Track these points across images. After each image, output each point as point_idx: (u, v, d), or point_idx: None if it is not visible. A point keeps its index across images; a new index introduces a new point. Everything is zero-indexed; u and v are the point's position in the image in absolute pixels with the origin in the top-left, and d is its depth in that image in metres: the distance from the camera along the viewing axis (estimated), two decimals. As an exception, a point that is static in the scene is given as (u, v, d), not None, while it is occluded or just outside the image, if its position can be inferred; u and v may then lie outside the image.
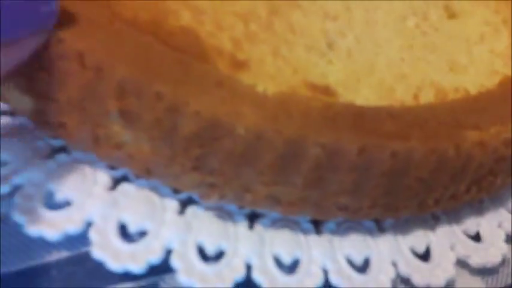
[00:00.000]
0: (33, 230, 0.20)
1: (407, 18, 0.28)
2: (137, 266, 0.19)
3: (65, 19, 0.18)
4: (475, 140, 0.21)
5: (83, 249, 0.20)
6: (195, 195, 0.21)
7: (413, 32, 0.28)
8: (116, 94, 0.18)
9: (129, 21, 0.21)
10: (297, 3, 0.26)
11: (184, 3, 0.23)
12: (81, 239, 0.20)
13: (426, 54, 0.27)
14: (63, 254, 0.20)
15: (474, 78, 0.26)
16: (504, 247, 0.24)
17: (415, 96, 0.24)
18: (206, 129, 0.18)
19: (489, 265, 0.24)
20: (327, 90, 0.22)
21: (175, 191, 0.22)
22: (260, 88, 0.20)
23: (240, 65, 0.22)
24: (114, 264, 0.19)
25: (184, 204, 0.22)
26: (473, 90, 0.25)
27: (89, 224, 0.20)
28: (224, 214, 0.22)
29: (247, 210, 0.22)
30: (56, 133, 0.20)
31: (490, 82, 0.26)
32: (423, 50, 0.27)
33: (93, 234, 0.20)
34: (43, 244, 0.20)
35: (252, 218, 0.22)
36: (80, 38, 0.18)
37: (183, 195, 0.22)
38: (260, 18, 0.24)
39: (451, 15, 0.30)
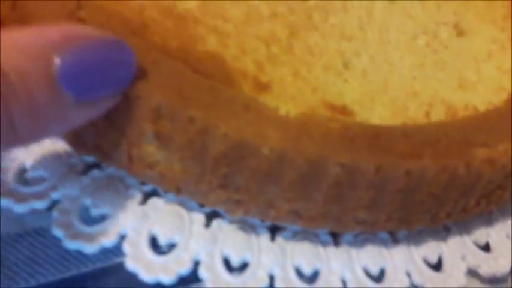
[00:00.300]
0: (70, 243, 0.21)
1: (418, 37, 0.30)
2: (168, 277, 0.21)
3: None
4: (484, 158, 0.22)
5: (117, 261, 0.22)
6: (220, 210, 0.23)
7: (424, 50, 0.29)
8: (151, 118, 0.20)
9: (160, 48, 0.22)
10: (314, 25, 0.27)
11: (210, 27, 0.24)
12: (115, 250, 0.21)
13: (436, 72, 0.28)
14: (98, 265, 0.22)
15: (482, 95, 0.28)
16: (513, 257, 0.26)
17: (427, 114, 0.25)
18: (233, 149, 0.19)
19: (498, 274, 0.25)
20: (344, 110, 0.23)
21: (201, 205, 0.23)
22: (283, 110, 0.21)
23: (263, 86, 0.23)
24: (146, 275, 0.21)
25: (210, 217, 0.23)
26: (481, 108, 0.26)
27: (122, 237, 0.21)
28: (247, 227, 0.23)
29: (269, 223, 0.24)
30: (91, 153, 0.21)
31: (498, 99, 0.28)
32: (434, 68, 0.28)
33: (126, 247, 0.21)
34: (79, 256, 0.22)
35: (274, 231, 0.23)
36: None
37: (208, 209, 0.23)
38: (280, 41, 0.25)
39: (460, 33, 0.31)
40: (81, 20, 0.21)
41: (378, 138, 0.20)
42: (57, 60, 0.16)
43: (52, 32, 0.16)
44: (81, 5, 0.22)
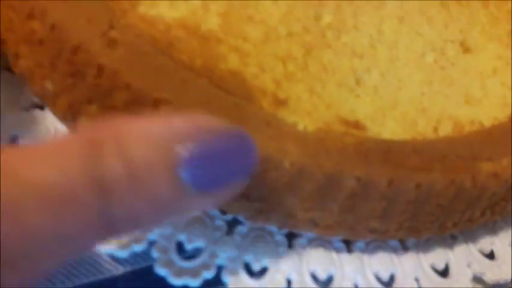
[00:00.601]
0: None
1: (426, 54, 0.31)
2: (195, 281, 0.22)
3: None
4: (489, 171, 0.23)
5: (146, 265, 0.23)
6: (241, 217, 0.24)
7: (432, 67, 0.31)
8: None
9: (186, 66, 0.24)
10: (328, 43, 0.29)
11: (232, 47, 0.26)
12: (144, 256, 0.23)
13: (444, 88, 0.30)
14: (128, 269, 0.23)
15: (488, 110, 0.29)
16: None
17: (435, 129, 0.26)
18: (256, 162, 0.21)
19: (502, 281, 0.27)
20: (357, 125, 0.25)
21: (223, 212, 0.25)
22: (301, 126, 0.23)
23: (280, 102, 0.25)
24: (174, 279, 0.22)
25: (230, 224, 0.25)
26: (487, 123, 0.28)
27: (151, 243, 0.23)
28: (266, 234, 0.25)
29: (286, 230, 0.25)
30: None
31: (503, 114, 0.29)
32: (441, 84, 0.30)
33: (155, 252, 0.23)
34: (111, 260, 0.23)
35: (290, 237, 0.25)
36: (152, 87, 0.21)
37: (229, 217, 0.25)
38: (296, 59, 0.27)
39: (466, 50, 0.33)
40: (112, 40, 0.23)
41: (390, 153, 0.22)
42: (181, 153, 0.16)
43: (179, 123, 0.17)
44: (113, 25, 0.24)
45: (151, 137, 0.16)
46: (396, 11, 0.32)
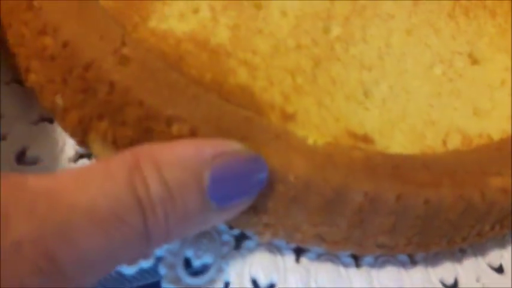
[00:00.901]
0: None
1: (434, 66, 0.31)
2: (202, 297, 0.22)
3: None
4: (497, 186, 0.23)
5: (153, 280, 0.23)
6: (249, 232, 0.24)
7: (440, 79, 0.31)
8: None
9: (196, 81, 0.24)
10: (336, 56, 0.29)
11: (241, 61, 0.26)
12: (152, 272, 0.23)
13: (452, 100, 0.30)
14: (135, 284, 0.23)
15: (496, 123, 0.29)
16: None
17: (444, 142, 0.26)
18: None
19: (511, 295, 0.27)
20: (365, 138, 0.25)
21: (230, 227, 0.25)
22: (310, 140, 0.23)
23: (289, 116, 0.25)
24: (182, 295, 0.22)
25: (238, 239, 0.25)
26: (495, 136, 0.28)
27: (158, 259, 0.23)
28: (274, 248, 0.25)
29: (294, 244, 0.25)
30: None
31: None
32: (449, 96, 0.30)
33: (162, 268, 0.23)
34: (119, 276, 0.23)
35: (298, 252, 0.25)
36: (164, 104, 0.21)
37: (237, 231, 0.25)
38: (305, 72, 0.27)
39: (474, 61, 0.33)
40: (124, 57, 0.23)
41: (398, 168, 0.22)
42: (208, 175, 0.19)
43: (205, 148, 0.19)
44: (125, 42, 0.24)
45: (184, 162, 0.18)
46: (404, 23, 0.32)
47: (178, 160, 0.18)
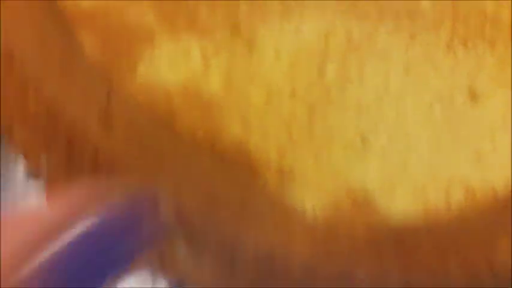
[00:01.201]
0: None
1: (433, 106, 0.30)
2: None
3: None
4: (507, 250, 0.22)
5: None
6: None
7: (440, 121, 0.30)
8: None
9: (188, 139, 0.23)
10: (332, 100, 0.28)
11: (234, 114, 0.25)
12: None
13: (453, 145, 0.29)
14: None
15: (498, 170, 0.28)
16: None
17: (446, 198, 0.25)
18: (263, 259, 0.20)
19: None
20: (366, 199, 0.24)
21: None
22: (309, 204, 0.22)
23: (285, 176, 0.24)
24: None
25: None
26: (499, 186, 0.27)
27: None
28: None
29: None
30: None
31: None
32: (450, 140, 0.29)
33: None
34: None
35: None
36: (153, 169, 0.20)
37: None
38: (301, 121, 0.26)
39: (474, 97, 0.32)
40: (109, 119, 0.22)
41: (402, 244, 0.21)
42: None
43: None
44: (111, 100, 0.22)
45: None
46: (402, 59, 0.31)
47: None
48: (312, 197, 0.23)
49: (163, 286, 0.23)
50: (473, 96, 0.32)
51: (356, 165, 0.26)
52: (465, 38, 0.34)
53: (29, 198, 0.25)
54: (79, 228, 0.15)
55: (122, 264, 0.15)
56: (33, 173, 0.23)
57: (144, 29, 0.25)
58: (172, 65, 0.25)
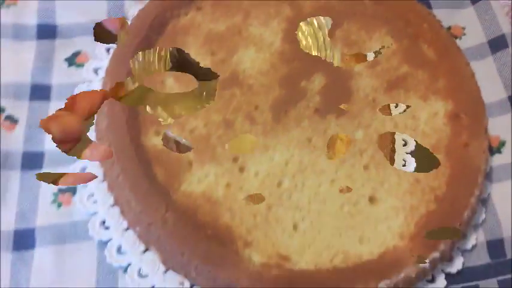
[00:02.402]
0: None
1: (343, 206, 0.54)
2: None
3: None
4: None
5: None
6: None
7: (345, 215, 0.54)
8: None
9: (204, 224, 0.49)
10: (282, 202, 0.53)
11: (227, 208, 0.51)
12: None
13: (347, 231, 0.53)
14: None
15: (370, 247, 0.52)
16: None
17: (331, 260, 0.50)
18: None
19: None
20: (286, 258, 0.49)
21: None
22: (255, 258, 0.48)
23: (248, 244, 0.49)
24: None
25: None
26: (365, 255, 0.51)
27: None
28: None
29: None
30: None
31: (378, 250, 0.52)
32: (346, 228, 0.53)
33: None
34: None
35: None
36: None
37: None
38: (261, 214, 0.51)
39: (372, 201, 0.55)
40: (166, 220, 0.49)
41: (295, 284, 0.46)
42: None
43: None
44: (168, 207, 0.50)
45: None
46: (331, 176, 0.55)
47: None
48: (258, 255, 0.48)
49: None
50: (372, 200, 0.56)
51: (287, 240, 0.51)
52: (379, 162, 0.57)
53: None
54: None
55: None
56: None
57: (187, 161, 0.52)
58: (199, 183, 0.51)
